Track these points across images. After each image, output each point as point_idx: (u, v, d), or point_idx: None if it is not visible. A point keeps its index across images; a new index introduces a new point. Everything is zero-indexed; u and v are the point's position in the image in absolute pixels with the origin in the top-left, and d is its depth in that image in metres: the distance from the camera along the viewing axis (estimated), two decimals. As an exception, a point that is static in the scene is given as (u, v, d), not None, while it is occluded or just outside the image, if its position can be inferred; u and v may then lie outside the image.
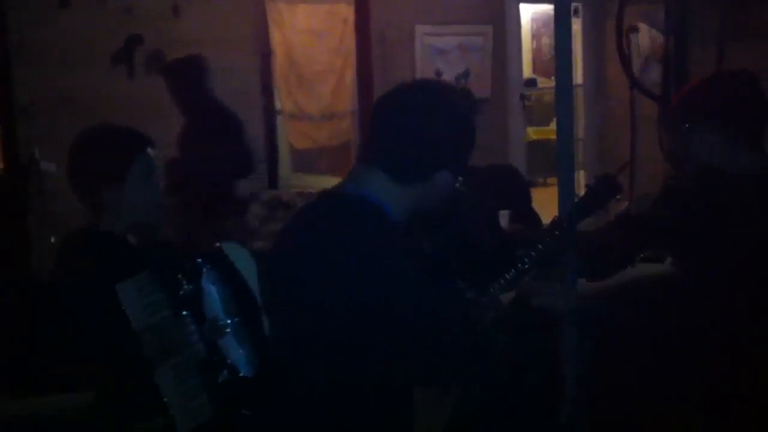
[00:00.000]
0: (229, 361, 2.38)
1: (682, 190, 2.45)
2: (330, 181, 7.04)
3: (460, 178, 1.98)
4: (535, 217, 5.76)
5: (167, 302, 2.32)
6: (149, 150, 2.51)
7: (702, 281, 2.24)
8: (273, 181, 6.12)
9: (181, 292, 2.36)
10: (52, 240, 4.69)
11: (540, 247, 2.11)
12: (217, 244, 2.58)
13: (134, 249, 2.46)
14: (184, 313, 2.35)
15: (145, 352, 2.30)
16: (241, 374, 2.39)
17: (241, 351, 2.41)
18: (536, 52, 9.99)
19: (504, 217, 5.48)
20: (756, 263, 2.16)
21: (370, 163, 1.90)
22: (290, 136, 6.48)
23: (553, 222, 2.25)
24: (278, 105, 6.27)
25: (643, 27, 6.60)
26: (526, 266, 2.09)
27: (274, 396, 2.45)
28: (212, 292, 2.41)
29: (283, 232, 2.06)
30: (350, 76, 6.34)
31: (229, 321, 2.41)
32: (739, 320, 2.20)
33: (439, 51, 6.60)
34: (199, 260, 2.42)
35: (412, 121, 1.86)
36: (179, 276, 2.37)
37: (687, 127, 2.36)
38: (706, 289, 2.21)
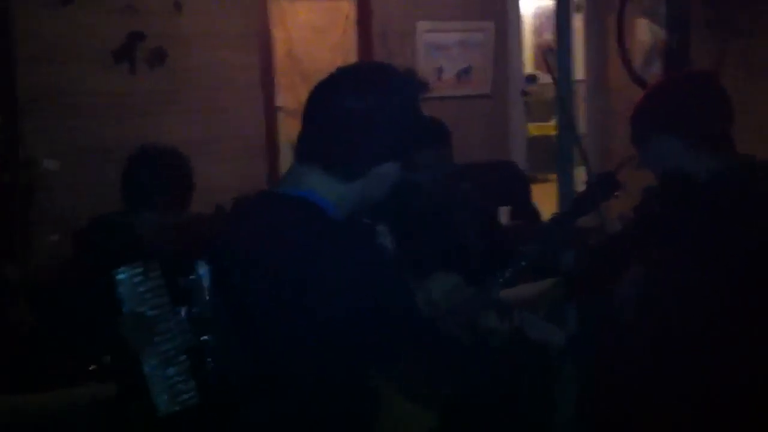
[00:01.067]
0: (214, 352, 2.43)
1: (653, 199, 2.40)
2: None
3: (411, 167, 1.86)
4: (535, 213, 5.78)
5: (164, 290, 2.39)
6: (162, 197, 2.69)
7: (678, 284, 2.22)
8: (274, 178, 6.12)
9: (178, 283, 2.42)
10: (53, 238, 4.73)
11: (540, 245, 2.11)
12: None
13: (145, 238, 2.53)
14: (179, 302, 2.41)
15: (133, 334, 2.35)
16: (225, 365, 2.44)
17: (229, 343, 2.46)
18: (538, 49, 9.97)
19: (504, 213, 5.50)
20: (725, 265, 2.13)
21: (308, 161, 1.78)
22: (291, 133, 6.48)
23: (552, 219, 2.26)
24: (279, 101, 6.27)
25: (644, 22, 6.60)
26: (524, 264, 2.09)
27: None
28: (207, 285, 2.47)
29: (221, 232, 1.96)
30: (351, 72, 6.34)
31: (220, 314, 2.47)
32: (723, 322, 2.18)
33: (440, 47, 6.59)
34: (199, 253, 2.49)
35: (345, 113, 1.73)
36: (178, 267, 2.44)
37: (649, 133, 2.34)
38: (686, 292, 2.19)
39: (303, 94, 6.47)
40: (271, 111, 6.11)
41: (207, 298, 2.46)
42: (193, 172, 2.70)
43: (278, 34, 6.09)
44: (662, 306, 2.23)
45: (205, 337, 2.43)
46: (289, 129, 6.42)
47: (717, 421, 2.26)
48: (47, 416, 2.66)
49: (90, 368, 2.82)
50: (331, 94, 1.78)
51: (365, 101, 1.72)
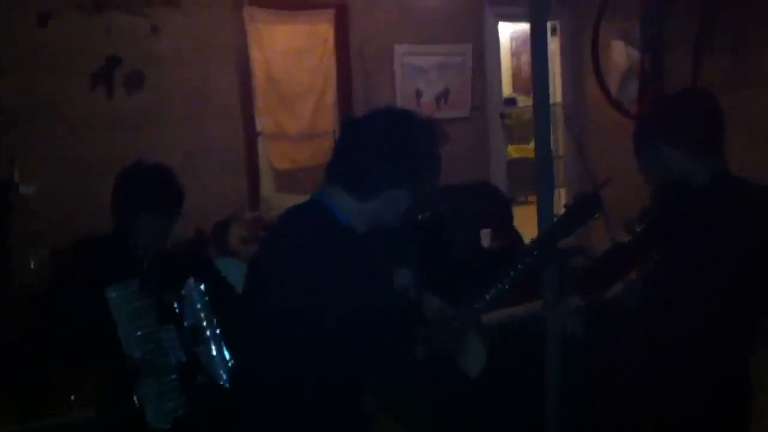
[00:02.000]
0: (205, 368, 2.45)
1: (655, 207, 2.53)
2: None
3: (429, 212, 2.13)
4: (516, 235, 5.80)
5: (153, 308, 2.40)
6: (155, 214, 2.61)
7: (678, 285, 2.30)
8: (254, 201, 6.11)
9: (166, 300, 2.44)
10: (32, 265, 4.68)
11: (520, 266, 2.11)
12: (207, 256, 2.68)
13: (133, 256, 2.53)
14: (167, 319, 2.43)
15: (126, 351, 2.36)
16: (216, 380, 2.46)
17: (217, 359, 2.47)
18: (516, 71, 10.06)
19: (485, 236, 5.51)
20: (725, 265, 2.24)
21: (333, 180, 2.06)
22: (271, 157, 6.47)
23: (533, 240, 2.26)
24: (258, 125, 6.26)
25: (619, 44, 6.67)
26: (506, 286, 2.10)
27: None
28: (196, 302, 2.49)
29: (259, 251, 2.17)
30: (330, 95, 6.36)
31: (208, 331, 2.48)
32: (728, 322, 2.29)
33: (418, 70, 6.63)
34: (187, 270, 2.51)
35: (367, 142, 2.01)
36: (166, 284, 2.46)
37: (652, 145, 2.46)
38: (685, 292, 2.27)
39: (282, 117, 6.47)
40: (251, 134, 6.11)
41: (200, 312, 2.49)
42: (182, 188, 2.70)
43: (256, 57, 6.09)
44: (662, 306, 2.32)
45: (197, 350, 2.46)
46: (269, 152, 6.42)
47: (714, 420, 2.34)
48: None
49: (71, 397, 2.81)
50: (360, 126, 2.09)
51: (387, 133, 2.01)
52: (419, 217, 2.16)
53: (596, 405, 2.53)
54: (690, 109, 2.47)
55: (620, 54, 6.69)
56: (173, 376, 2.43)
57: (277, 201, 7.02)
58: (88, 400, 2.67)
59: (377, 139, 2.01)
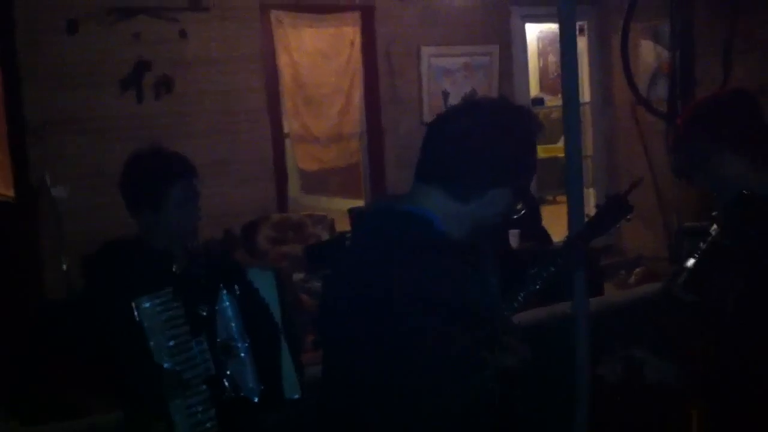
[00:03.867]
0: (235, 382, 2.43)
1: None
2: (339, 203, 7.08)
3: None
4: (545, 236, 5.77)
5: (185, 319, 2.37)
6: (190, 178, 2.51)
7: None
8: (282, 202, 6.13)
9: (199, 312, 2.41)
10: (64, 267, 4.73)
11: (552, 268, 2.10)
12: (241, 268, 2.63)
13: (167, 263, 2.47)
14: (200, 331, 2.40)
15: (156, 361, 2.34)
16: (244, 395, 2.43)
17: (247, 373, 2.45)
18: (543, 71, 10.01)
19: (514, 237, 5.49)
20: None
21: (428, 180, 1.88)
22: (298, 158, 6.50)
23: (564, 241, 2.25)
24: (286, 127, 6.29)
25: (648, 43, 6.62)
26: (537, 287, 2.08)
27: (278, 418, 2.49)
28: (228, 315, 2.46)
29: (339, 267, 2.00)
30: (357, 97, 6.37)
31: (239, 344, 2.46)
32: None
33: (445, 71, 6.63)
34: (221, 281, 2.47)
35: (471, 138, 1.85)
36: (199, 295, 2.42)
37: (702, 148, 2.31)
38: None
39: (308, 120, 6.52)
40: (278, 137, 6.14)
41: (232, 325, 2.45)
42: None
43: (283, 61, 6.12)
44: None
45: (228, 364, 2.43)
46: (296, 154, 6.45)
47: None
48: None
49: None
50: (457, 121, 1.90)
51: (490, 128, 1.85)
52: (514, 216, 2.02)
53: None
54: (745, 110, 2.32)
55: (649, 53, 6.64)
56: (203, 388, 2.40)
57: (305, 202, 7.05)
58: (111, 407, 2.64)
59: (480, 135, 1.84)
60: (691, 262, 2.34)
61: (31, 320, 4.49)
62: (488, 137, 1.84)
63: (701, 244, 2.34)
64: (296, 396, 2.50)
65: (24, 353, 3.96)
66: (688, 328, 2.39)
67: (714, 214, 2.38)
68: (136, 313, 2.33)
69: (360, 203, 6.69)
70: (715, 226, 2.34)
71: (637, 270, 6.57)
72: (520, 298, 2.08)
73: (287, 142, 6.31)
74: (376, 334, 1.78)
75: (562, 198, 2.65)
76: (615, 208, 2.23)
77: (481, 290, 1.88)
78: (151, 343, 2.35)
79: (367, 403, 1.83)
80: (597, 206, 2.24)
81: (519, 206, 1.93)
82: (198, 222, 2.53)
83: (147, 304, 2.34)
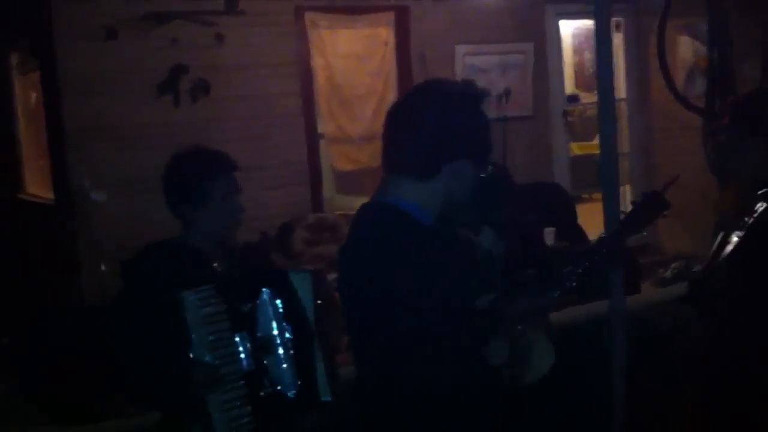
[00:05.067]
0: (273, 379, 2.45)
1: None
2: (374, 203, 7.08)
3: (489, 166, 2.01)
4: (580, 233, 5.73)
5: (226, 315, 2.40)
6: (231, 174, 2.56)
7: None
8: (317, 204, 6.16)
9: (240, 308, 2.44)
10: (102, 268, 4.79)
11: (587, 264, 2.08)
12: (282, 270, 2.66)
13: (208, 262, 2.51)
14: (241, 327, 2.43)
15: (196, 355, 2.37)
16: (281, 391, 2.46)
17: (285, 370, 2.48)
18: (578, 67, 9.93)
19: (549, 234, 5.46)
20: None
21: (392, 171, 1.97)
22: (333, 159, 6.53)
23: (599, 239, 2.23)
24: (320, 129, 6.32)
25: (685, 39, 6.55)
26: (573, 283, 2.07)
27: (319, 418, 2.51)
28: (268, 313, 2.49)
29: (343, 251, 2.08)
30: (391, 98, 6.38)
31: (279, 342, 2.48)
32: None
33: (479, 70, 6.61)
34: (261, 281, 2.51)
35: (413, 119, 1.93)
36: (240, 292, 2.46)
37: (746, 143, 2.35)
38: None
39: (343, 121, 6.54)
40: (313, 138, 6.17)
41: (272, 323, 2.48)
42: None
43: (318, 62, 6.15)
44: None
45: (266, 360, 2.46)
46: (331, 155, 6.48)
47: None
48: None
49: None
50: (403, 108, 2.00)
51: (432, 105, 1.93)
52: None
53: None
54: None
55: (687, 49, 6.57)
56: (241, 383, 2.43)
57: (340, 202, 7.07)
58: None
59: (419, 115, 1.93)
60: (735, 238, 2.36)
61: (35, 326, 4.57)
62: (432, 113, 1.91)
63: (747, 219, 2.36)
64: (328, 399, 2.51)
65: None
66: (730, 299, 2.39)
67: (761, 192, 2.38)
68: (179, 306, 2.37)
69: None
70: (762, 204, 2.36)
71: (674, 264, 6.50)
72: (555, 295, 2.06)
73: (322, 143, 6.34)
74: (377, 331, 1.90)
75: (598, 196, 2.64)
76: (651, 204, 2.21)
77: (459, 276, 1.93)
78: (193, 336, 2.38)
79: (381, 396, 1.96)
80: (633, 203, 2.22)
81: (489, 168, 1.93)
82: (240, 218, 2.57)
83: (192, 297, 2.38)
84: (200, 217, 2.50)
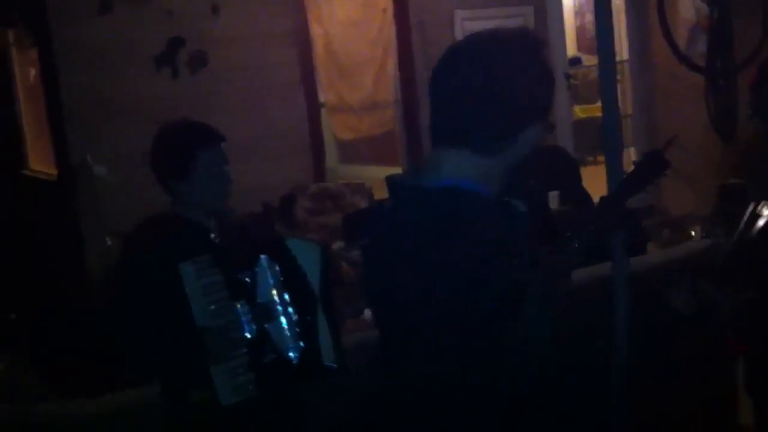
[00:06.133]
0: (275, 345, 2.47)
1: None
2: (375, 171, 7.08)
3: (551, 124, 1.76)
4: (585, 196, 5.71)
5: (225, 284, 2.41)
6: (217, 145, 2.57)
7: None
8: (319, 173, 6.15)
9: (239, 276, 2.45)
10: (108, 242, 4.80)
11: (591, 227, 2.07)
12: (279, 236, 2.68)
13: (204, 233, 2.52)
14: (240, 295, 2.44)
15: (197, 324, 2.38)
16: (283, 357, 2.47)
17: (287, 336, 2.49)
18: (580, 30, 9.86)
19: (554, 198, 5.44)
20: None
21: (452, 143, 1.69)
22: (334, 128, 6.51)
23: (601, 201, 2.22)
24: (321, 97, 6.29)
25: (687, -2, 6.47)
26: (576, 245, 2.05)
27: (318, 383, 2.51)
28: (267, 279, 2.50)
29: (378, 239, 1.82)
30: (391, 65, 6.34)
31: (279, 308, 2.50)
32: None
33: (479, 35, 6.55)
34: (259, 248, 2.52)
35: (475, 83, 1.64)
36: (238, 261, 2.46)
37: None
38: None
39: (343, 89, 6.52)
40: (313, 108, 6.14)
41: (272, 290, 2.50)
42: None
43: (316, 31, 6.10)
44: None
45: (268, 327, 2.47)
46: (332, 124, 6.45)
47: None
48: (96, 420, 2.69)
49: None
50: (459, 74, 1.68)
51: (499, 72, 1.64)
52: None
53: None
54: None
55: (687, 8, 6.49)
56: (244, 350, 2.45)
57: (342, 171, 7.06)
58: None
59: (483, 78, 1.63)
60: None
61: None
62: (500, 75, 1.63)
63: None
64: (333, 365, 2.52)
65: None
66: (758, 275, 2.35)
67: None
68: (178, 278, 2.38)
69: (397, 170, 6.68)
70: None
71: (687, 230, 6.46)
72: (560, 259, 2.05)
73: (323, 112, 6.31)
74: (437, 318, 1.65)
75: (603, 158, 2.61)
76: (651, 165, 2.20)
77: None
78: (193, 307, 2.40)
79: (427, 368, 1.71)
80: (634, 163, 2.20)
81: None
82: (229, 189, 2.58)
83: (190, 268, 2.39)
84: (188, 190, 2.53)
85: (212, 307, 2.42)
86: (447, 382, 1.70)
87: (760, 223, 2.35)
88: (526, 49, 1.69)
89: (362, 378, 2.09)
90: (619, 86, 7.00)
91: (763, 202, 2.38)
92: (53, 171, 5.75)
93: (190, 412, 2.48)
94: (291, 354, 2.50)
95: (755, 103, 2.36)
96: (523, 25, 1.68)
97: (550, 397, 1.81)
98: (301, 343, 2.51)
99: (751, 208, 2.38)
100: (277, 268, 2.52)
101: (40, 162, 6.43)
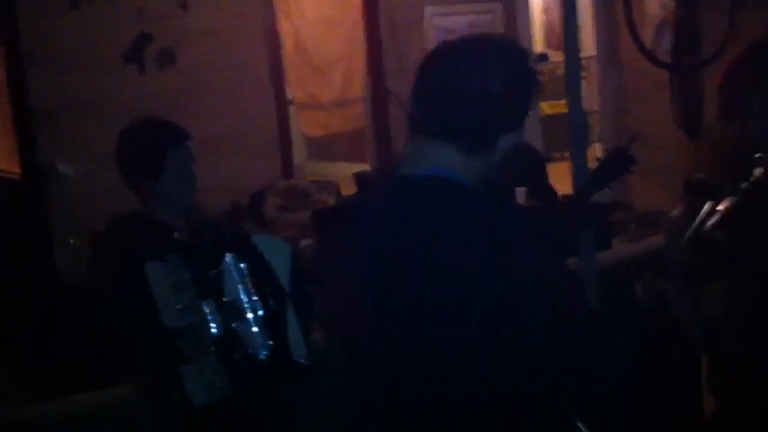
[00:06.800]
0: (244, 342, 2.46)
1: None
2: (345, 168, 7.09)
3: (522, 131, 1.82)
4: (552, 193, 5.74)
5: (192, 283, 2.40)
6: (185, 143, 2.55)
7: None
8: (287, 170, 6.13)
9: (205, 275, 2.44)
10: (72, 242, 4.76)
11: (556, 223, 2.10)
12: (245, 233, 2.67)
13: (170, 232, 2.51)
14: (207, 294, 2.43)
15: (166, 324, 2.37)
16: (252, 354, 2.47)
17: (256, 333, 2.49)
18: (549, 27, 9.91)
19: (521, 194, 5.46)
20: None
21: (437, 136, 1.73)
22: (302, 125, 6.49)
23: (567, 197, 2.24)
24: (289, 94, 6.27)
25: (653, -5, 6.53)
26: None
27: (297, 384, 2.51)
28: (233, 277, 2.49)
29: (361, 230, 1.82)
30: (361, 62, 6.34)
31: (247, 306, 2.49)
32: None
33: (448, 31, 6.56)
34: (225, 246, 2.51)
35: (472, 90, 1.69)
36: (205, 259, 2.45)
37: (746, 97, 2.26)
38: None
39: (312, 87, 6.50)
40: (282, 105, 6.12)
41: (238, 287, 2.49)
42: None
43: (285, 28, 6.09)
44: None
45: (236, 325, 2.46)
46: (301, 121, 6.44)
47: None
48: (74, 421, 2.68)
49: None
50: (454, 72, 1.73)
51: (490, 77, 1.70)
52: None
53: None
54: None
55: (654, 4, 6.55)
56: (213, 349, 2.44)
57: (310, 168, 7.05)
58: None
59: (484, 84, 1.68)
60: (725, 204, 2.32)
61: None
62: (494, 87, 1.69)
63: (742, 185, 2.30)
64: (304, 361, 2.52)
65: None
66: (715, 269, 2.36)
67: (758, 156, 2.34)
68: (144, 279, 2.37)
69: (366, 167, 6.68)
70: (760, 169, 2.31)
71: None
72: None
73: (291, 109, 6.30)
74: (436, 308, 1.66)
75: (570, 155, 2.65)
76: (616, 161, 2.22)
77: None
78: (160, 307, 2.38)
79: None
80: (597, 159, 2.23)
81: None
82: (195, 188, 2.57)
83: (154, 269, 2.37)
84: (157, 190, 2.50)
85: (179, 306, 2.41)
86: (448, 380, 1.69)
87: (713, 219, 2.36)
88: (519, 58, 1.75)
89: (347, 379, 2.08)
90: (585, 82, 7.06)
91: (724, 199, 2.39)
92: (17, 170, 5.68)
93: (164, 411, 2.47)
94: (260, 351, 2.50)
95: (724, 103, 2.36)
96: (512, 38, 1.73)
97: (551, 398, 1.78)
98: (270, 342, 2.50)
99: (708, 207, 2.39)
100: (243, 265, 2.51)
101: (4, 161, 6.36)
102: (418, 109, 1.76)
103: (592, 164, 2.51)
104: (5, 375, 3.72)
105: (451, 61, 1.75)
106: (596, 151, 6.80)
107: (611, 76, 7.23)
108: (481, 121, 1.70)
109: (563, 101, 8.53)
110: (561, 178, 6.14)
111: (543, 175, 5.44)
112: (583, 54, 6.01)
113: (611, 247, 4.70)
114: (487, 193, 1.76)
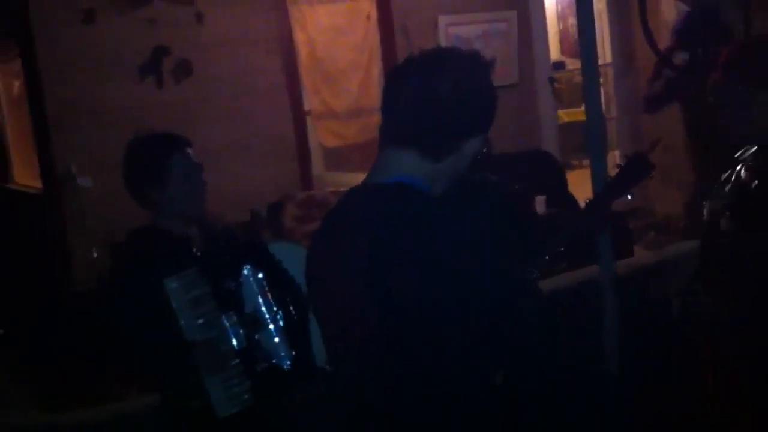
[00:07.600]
0: (267, 353, 2.47)
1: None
2: (362, 178, 7.09)
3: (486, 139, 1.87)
4: (571, 200, 5.73)
5: (212, 296, 2.41)
6: (187, 150, 2.58)
7: None
8: (306, 181, 6.14)
9: (224, 287, 2.45)
10: (95, 254, 4.78)
11: (572, 230, 2.09)
12: (261, 242, 2.68)
13: (186, 245, 2.51)
14: (227, 306, 2.44)
15: (187, 338, 2.38)
16: (276, 364, 2.47)
17: (278, 343, 2.49)
18: (563, 34, 9.90)
19: (540, 203, 5.46)
20: None
21: (397, 145, 1.81)
22: (319, 136, 6.50)
23: (586, 204, 2.23)
24: (306, 105, 6.29)
25: (668, 0, 6.51)
26: (562, 249, 2.07)
27: (312, 388, 2.51)
28: (252, 288, 2.50)
29: (327, 233, 1.91)
30: (376, 71, 6.34)
31: (267, 316, 2.50)
32: None
33: (463, 40, 6.56)
34: (241, 256, 2.51)
35: (425, 91, 1.77)
36: (223, 270, 2.46)
37: (742, 94, 2.24)
38: None
39: (327, 96, 6.49)
40: (299, 115, 6.14)
41: (258, 298, 2.50)
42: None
43: (300, 38, 6.10)
44: None
45: (258, 336, 2.47)
46: (318, 131, 6.44)
47: None
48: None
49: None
50: (414, 79, 1.81)
51: (450, 83, 1.77)
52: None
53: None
54: None
55: (670, 10, 6.53)
56: (236, 361, 2.44)
57: (328, 179, 7.05)
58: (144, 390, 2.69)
59: (432, 87, 1.75)
60: (712, 205, 2.31)
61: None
62: (448, 86, 1.76)
63: (727, 188, 2.29)
64: (327, 366, 2.53)
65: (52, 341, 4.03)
66: (731, 264, 2.34)
67: (737, 155, 2.32)
68: (164, 295, 2.37)
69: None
70: (746, 173, 2.29)
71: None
72: (545, 260, 2.06)
73: (308, 119, 6.31)
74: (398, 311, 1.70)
75: (588, 162, 2.63)
76: (635, 167, 2.21)
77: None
78: (182, 323, 2.39)
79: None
80: (617, 166, 2.22)
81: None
82: (204, 194, 2.57)
83: (174, 285, 2.38)
84: (166, 198, 2.52)
85: (200, 320, 2.42)
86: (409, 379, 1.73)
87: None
88: (475, 67, 1.82)
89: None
90: (602, 89, 7.04)
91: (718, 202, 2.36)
92: (38, 184, 5.73)
93: (186, 421, 2.48)
94: (283, 361, 2.50)
95: (718, 98, 2.32)
96: (473, 51, 1.82)
97: (547, 402, 1.83)
98: (292, 352, 2.50)
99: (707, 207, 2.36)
100: (260, 275, 2.52)
101: (25, 175, 6.42)
102: (388, 121, 1.84)
103: (612, 171, 2.50)
104: (5, 375, 3.74)
105: (407, 73, 1.83)
106: (615, 158, 6.78)
107: (627, 82, 7.22)
108: (435, 126, 1.77)
109: (580, 108, 8.53)
110: (579, 186, 6.13)
111: (561, 183, 5.44)
112: (598, 61, 5.98)
113: (632, 255, 4.68)
114: (452, 196, 1.83)
